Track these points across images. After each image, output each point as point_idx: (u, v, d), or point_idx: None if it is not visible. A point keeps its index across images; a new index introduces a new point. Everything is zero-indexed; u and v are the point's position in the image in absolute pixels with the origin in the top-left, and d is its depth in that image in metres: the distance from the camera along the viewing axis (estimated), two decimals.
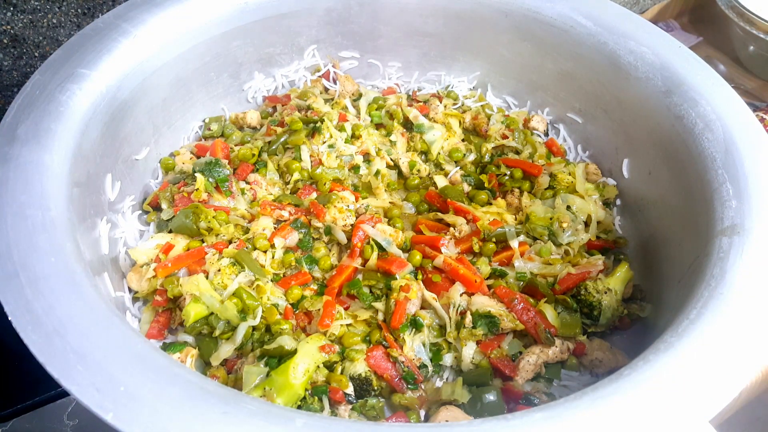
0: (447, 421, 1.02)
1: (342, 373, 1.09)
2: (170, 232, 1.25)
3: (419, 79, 1.72)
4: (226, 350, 1.09)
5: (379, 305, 1.16)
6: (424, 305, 1.18)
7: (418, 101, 1.60)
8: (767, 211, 1.03)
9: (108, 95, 1.18)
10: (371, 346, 1.12)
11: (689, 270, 1.08)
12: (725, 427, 1.06)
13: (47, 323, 0.80)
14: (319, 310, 1.14)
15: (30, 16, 1.40)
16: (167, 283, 1.14)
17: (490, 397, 1.07)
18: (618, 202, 1.44)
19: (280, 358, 1.05)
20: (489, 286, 1.20)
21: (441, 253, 1.22)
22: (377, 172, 1.41)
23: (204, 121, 1.52)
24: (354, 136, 1.44)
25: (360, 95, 1.57)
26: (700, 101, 1.21)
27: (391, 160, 1.45)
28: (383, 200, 1.38)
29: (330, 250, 1.28)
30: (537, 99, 1.62)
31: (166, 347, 1.11)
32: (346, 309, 1.18)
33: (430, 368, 1.14)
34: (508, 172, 1.43)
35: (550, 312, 1.16)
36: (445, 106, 1.57)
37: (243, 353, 1.12)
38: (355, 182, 1.41)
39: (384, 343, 1.12)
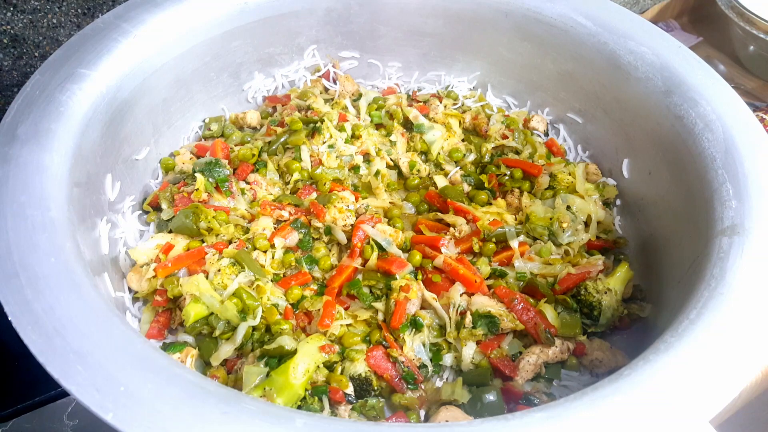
0: (447, 421, 1.02)
1: (342, 373, 1.08)
2: (170, 232, 1.25)
3: (419, 79, 1.72)
4: (226, 350, 1.09)
5: (379, 305, 1.16)
6: (424, 305, 1.18)
7: (418, 101, 1.60)
8: (767, 211, 1.03)
9: (108, 95, 1.18)
10: (371, 346, 1.12)
11: (689, 270, 1.08)
12: (725, 427, 1.06)
13: (47, 323, 0.80)
14: (319, 310, 1.14)
15: (30, 16, 1.40)
16: (167, 283, 1.14)
17: (490, 397, 1.07)
18: (618, 202, 1.44)
19: (280, 358, 1.05)
20: (489, 286, 1.20)
21: (441, 253, 1.22)
22: (377, 172, 1.41)
23: (204, 121, 1.52)
24: (354, 136, 1.44)
25: (360, 95, 1.57)
26: (700, 101, 1.21)
27: (391, 160, 1.45)
28: (383, 200, 1.38)
29: (330, 250, 1.28)
30: (537, 99, 1.62)
31: (166, 347, 1.11)
32: (346, 309, 1.18)
33: (430, 368, 1.14)
34: (508, 172, 1.43)
35: (550, 312, 1.16)
36: (445, 106, 1.57)
37: (243, 353, 1.12)
38: (355, 182, 1.41)
39: (384, 343, 1.12)
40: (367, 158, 1.43)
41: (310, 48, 1.61)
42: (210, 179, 1.28)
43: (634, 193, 1.40)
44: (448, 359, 1.15)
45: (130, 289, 1.19)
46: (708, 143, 1.16)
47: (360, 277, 1.21)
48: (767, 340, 0.87)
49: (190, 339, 1.14)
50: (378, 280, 1.18)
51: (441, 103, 1.57)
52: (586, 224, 1.34)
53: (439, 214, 1.34)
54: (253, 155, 1.39)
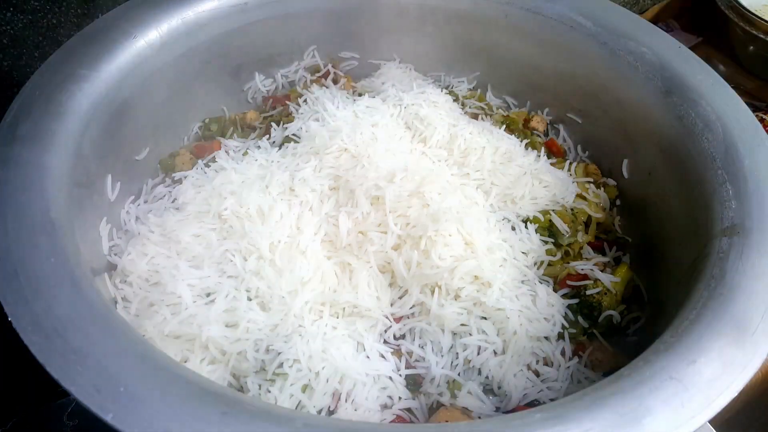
0: (447, 421, 1.02)
1: None
2: None
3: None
4: None
5: None
6: None
7: None
8: (767, 211, 1.03)
9: (108, 95, 1.18)
10: None
11: (689, 270, 1.08)
12: (725, 427, 1.06)
13: (47, 323, 0.80)
14: None
15: (30, 16, 1.40)
16: None
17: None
18: (618, 202, 1.44)
19: None
20: None
21: None
22: None
23: (204, 121, 1.52)
24: None
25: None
26: (700, 101, 1.21)
27: None
28: None
29: None
30: (537, 99, 1.62)
31: None
32: None
33: None
34: None
35: None
36: None
37: None
38: None
39: None
40: None
41: (310, 48, 1.61)
42: None
43: (634, 193, 1.40)
44: None
45: None
46: (708, 143, 1.16)
47: None
48: (767, 340, 0.87)
49: None
50: None
51: None
52: (586, 224, 1.34)
53: None
54: None
